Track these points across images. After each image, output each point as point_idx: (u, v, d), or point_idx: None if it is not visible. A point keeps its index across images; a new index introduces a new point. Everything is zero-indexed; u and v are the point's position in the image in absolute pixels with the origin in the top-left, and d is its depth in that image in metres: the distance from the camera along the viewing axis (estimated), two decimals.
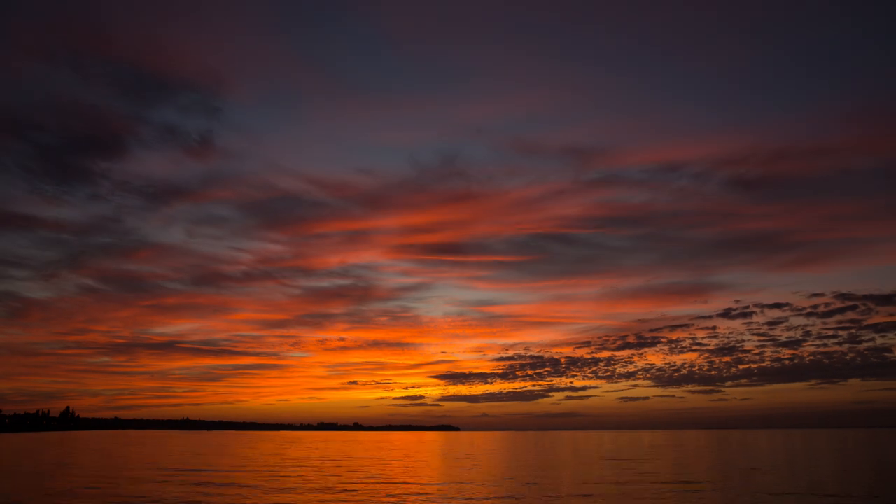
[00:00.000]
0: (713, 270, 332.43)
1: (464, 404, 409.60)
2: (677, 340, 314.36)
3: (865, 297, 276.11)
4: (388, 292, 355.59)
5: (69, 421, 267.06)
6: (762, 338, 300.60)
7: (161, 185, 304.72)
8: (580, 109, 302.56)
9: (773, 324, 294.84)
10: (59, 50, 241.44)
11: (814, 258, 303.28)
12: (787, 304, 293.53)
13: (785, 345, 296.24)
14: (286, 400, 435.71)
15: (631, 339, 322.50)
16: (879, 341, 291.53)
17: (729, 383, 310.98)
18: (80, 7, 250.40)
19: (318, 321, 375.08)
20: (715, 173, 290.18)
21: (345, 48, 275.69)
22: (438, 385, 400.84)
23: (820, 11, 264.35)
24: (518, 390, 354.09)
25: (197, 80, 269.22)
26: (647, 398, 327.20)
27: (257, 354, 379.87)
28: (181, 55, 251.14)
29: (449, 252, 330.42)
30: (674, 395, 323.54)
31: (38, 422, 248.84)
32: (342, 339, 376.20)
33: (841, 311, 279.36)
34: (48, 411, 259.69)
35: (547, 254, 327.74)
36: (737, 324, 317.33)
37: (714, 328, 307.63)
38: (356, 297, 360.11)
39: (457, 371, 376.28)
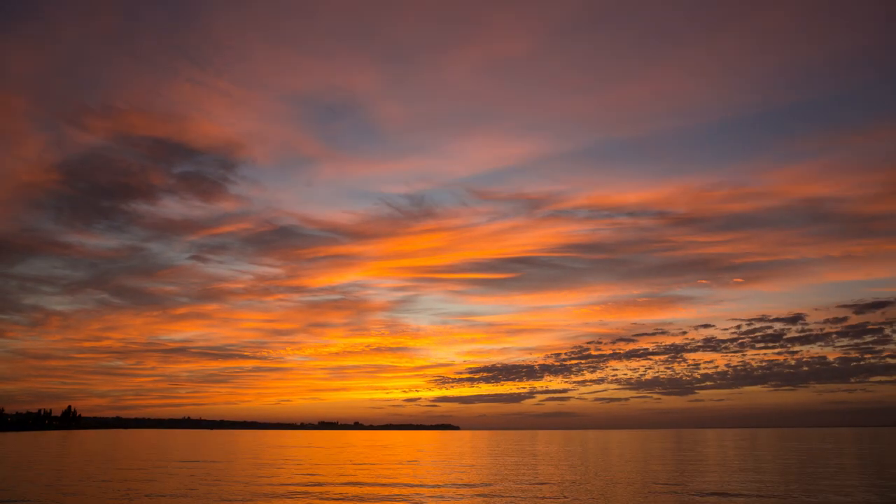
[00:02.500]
0: (660, 288, 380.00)
1: (457, 405, 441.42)
2: (632, 350, 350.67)
3: (776, 319, 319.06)
4: (378, 305, 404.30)
5: (71, 420, 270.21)
6: (707, 348, 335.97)
7: (178, 221, 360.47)
8: (528, 167, 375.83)
9: (709, 338, 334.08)
10: (105, 125, 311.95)
11: (746, 278, 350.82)
12: (712, 325, 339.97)
13: (731, 353, 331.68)
14: (288, 401, 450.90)
15: (592, 351, 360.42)
16: (814, 351, 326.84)
17: (696, 386, 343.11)
18: (125, 93, 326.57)
19: (314, 330, 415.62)
20: (647, 212, 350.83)
21: (340, 124, 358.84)
22: (433, 388, 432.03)
23: (739, 86, 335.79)
24: (504, 393, 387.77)
25: (217, 145, 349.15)
26: (627, 399, 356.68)
27: (260, 358, 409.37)
28: (207, 129, 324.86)
29: (428, 271, 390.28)
30: (650, 397, 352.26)
31: (39, 421, 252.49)
32: (339, 344, 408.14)
33: (761, 329, 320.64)
34: (50, 411, 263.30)
35: (518, 273, 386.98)
36: (678, 337, 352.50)
37: (660, 343, 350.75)
38: (349, 309, 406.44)
39: (447, 375, 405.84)
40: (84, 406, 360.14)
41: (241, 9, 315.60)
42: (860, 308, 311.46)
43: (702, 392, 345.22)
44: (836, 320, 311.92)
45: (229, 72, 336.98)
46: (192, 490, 26.76)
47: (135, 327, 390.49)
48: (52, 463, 44.36)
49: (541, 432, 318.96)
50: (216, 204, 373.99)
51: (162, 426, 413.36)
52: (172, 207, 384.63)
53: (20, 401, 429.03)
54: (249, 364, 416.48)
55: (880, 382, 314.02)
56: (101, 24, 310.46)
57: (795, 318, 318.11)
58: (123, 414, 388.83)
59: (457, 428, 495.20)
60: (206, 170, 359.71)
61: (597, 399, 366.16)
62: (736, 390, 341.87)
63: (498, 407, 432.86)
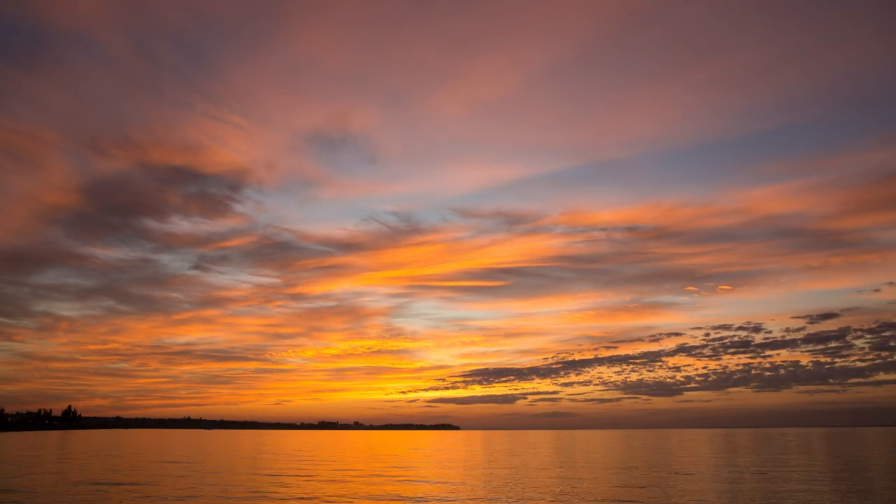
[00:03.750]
0: (638, 296, 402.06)
1: (454, 406, 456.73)
2: (614, 356, 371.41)
3: (739, 328, 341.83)
4: (374, 311, 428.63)
5: (71, 420, 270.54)
6: (684, 352, 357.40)
7: (187, 237, 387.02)
8: (506, 189, 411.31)
9: (684, 344, 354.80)
10: (125, 154, 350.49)
11: (713, 287, 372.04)
12: (681, 333, 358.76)
13: (706, 358, 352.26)
14: (289, 401, 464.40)
15: (576, 356, 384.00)
16: (786, 356, 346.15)
17: (682, 387, 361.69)
18: (144, 125, 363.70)
19: (313, 334, 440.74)
20: (618, 228, 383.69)
21: (339, 154, 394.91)
22: (430, 389, 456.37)
23: (704, 117, 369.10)
24: (498, 394, 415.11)
25: (227, 171, 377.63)
26: (618, 400, 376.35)
27: (262, 360, 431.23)
28: (218, 157, 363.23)
29: (421, 280, 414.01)
30: (639, 398, 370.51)
31: (39, 420, 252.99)
32: (338, 347, 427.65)
33: (728, 336, 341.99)
34: (50, 411, 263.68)
35: (505, 282, 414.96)
36: (657, 342, 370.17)
37: (639, 348, 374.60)
38: (347, 314, 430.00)
39: (444, 377, 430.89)
40: (86, 406, 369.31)
41: (252, 53, 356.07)
42: (823, 316, 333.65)
43: (689, 394, 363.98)
44: (799, 328, 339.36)
45: (241, 109, 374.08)
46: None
47: (140, 331, 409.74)
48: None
49: (539, 432, 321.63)
50: (222, 221, 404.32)
51: (162, 426, 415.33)
52: (181, 225, 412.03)
53: (23, 401, 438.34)
54: (251, 366, 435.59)
55: (857, 384, 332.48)
56: (124, 66, 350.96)
57: (759, 326, 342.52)
58: (126, 414, 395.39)
59: (457, 428, 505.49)
60: (214, 191, 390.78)
61: (589, 400, 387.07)
62: (722, 392, 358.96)
63: (496, 408, 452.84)
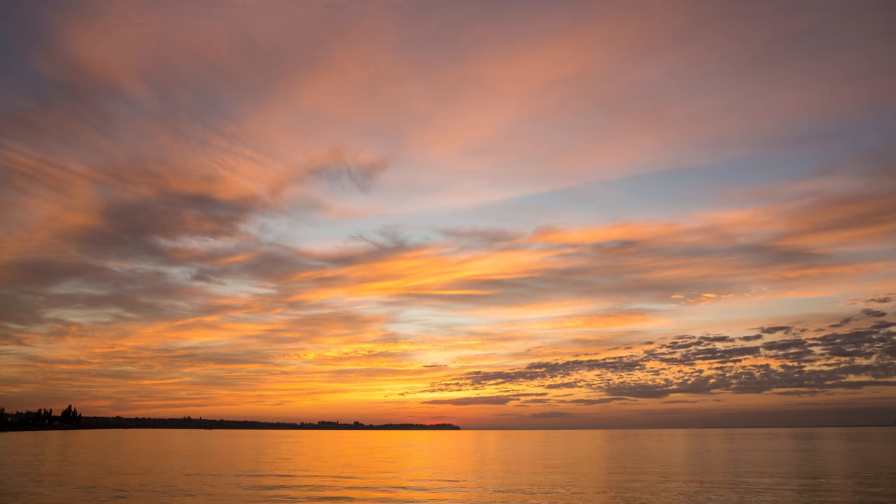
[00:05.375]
0: (619, 303, 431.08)
1: (451, 406, 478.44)
2: (591, 362, 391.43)
3: (702, 338, 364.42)
4: (370, 317, 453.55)
5: (71, 420, 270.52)
6: (657, 359, 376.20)
7: (196, 253, 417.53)
8: (481, 213, 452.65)
9: (658, 350, 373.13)
10: (145, 181, 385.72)
11: (683, 298, 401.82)
12: (652, 342, 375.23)
13: (680, 363, 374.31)
14: (290, 402, 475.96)
15: (558, 360, 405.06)
16: (752, 361, 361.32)
17: (666, 389, 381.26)
18: (162, 158, 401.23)
19: (312, 339, 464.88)
20: (587, 244, 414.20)
21: (338, 184, 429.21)
22: (426, 391, 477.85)
23: (670, 150, 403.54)
24: (491, 396, 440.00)
25: (235, 197, 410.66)
26: (609, 401, 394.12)
27: (263, 363, 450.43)
28: (229, 185, 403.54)
29: (413, 290, 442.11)
30: (627, 399, 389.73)
31: (40, 420, 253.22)
32: (337, 351, 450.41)
33: (693, 343, 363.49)
34: (50, 411, 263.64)
35: (492, 291, 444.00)
36: (633, 348, 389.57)
37: (615, 354, 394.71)
38: (344, 321, 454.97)
39: (439, 379, 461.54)
40: (88, 407, 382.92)
41: (262, 99, 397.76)
42: (779, 326, 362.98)
43: (674, 395, 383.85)
44: (756, 336, 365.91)
45: (252, 144, 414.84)
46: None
47: (145, 336, 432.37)
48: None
49: (548, 432, 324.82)
50: (228, 239, 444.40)
51: (162, 426, 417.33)
52: (190, 242, 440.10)
53: (27, 402, 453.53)
54: (252, 367, 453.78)
55: (832, 386, 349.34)
56: (148, 111, 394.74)
57: (721, 335, 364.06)
58: (128, 414, 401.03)
59: (457, 427, 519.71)
60: (223, 214, 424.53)
61: (578, 401, 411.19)
62: (707, 394, 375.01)
63: (491, 408, 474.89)
